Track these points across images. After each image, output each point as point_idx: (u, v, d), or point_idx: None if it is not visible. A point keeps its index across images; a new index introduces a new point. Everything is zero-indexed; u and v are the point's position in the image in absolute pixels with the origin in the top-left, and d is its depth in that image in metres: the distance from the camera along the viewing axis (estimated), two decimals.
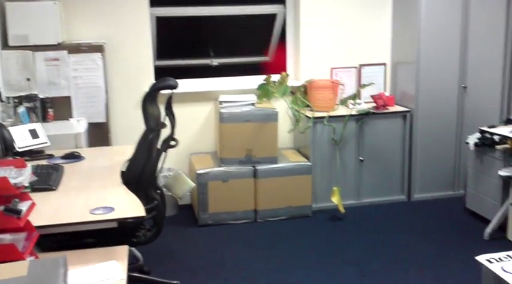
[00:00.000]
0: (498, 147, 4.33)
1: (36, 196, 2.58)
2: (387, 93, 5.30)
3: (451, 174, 5.19)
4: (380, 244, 4.29)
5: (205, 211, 4.65)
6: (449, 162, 5.17)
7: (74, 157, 3.55)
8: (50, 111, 4.34)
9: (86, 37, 4.64)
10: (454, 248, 4.18)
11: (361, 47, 5.29)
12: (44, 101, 4.33)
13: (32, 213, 2.38)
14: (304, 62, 5.20)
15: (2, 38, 4.26)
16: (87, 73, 4.42)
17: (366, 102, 5.13)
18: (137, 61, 4.87)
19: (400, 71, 5.26)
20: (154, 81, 3.34)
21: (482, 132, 4.51)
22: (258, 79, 5.02)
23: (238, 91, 5.01)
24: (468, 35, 4.98)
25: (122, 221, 2.57)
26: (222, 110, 4.68)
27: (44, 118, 4.31)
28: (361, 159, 5.00)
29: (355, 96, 5.16)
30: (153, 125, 3.15)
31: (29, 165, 2.54)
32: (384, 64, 5.36)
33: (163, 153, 3.34)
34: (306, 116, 4.91)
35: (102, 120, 4.49)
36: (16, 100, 4.24)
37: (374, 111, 4.97)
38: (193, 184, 4.54)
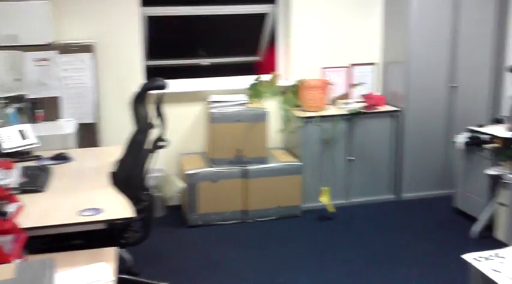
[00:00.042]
0: (486, 146, 4.35)
1: (24, 198, 2.57)
2: (377, 93, 5.31)
3: (439, 173, 5.21)
4: (369, 243, 4.30)
5: (194, 211, 4.65)
6: (438, 161, 5.20)
7: (62, 158, 3.54)
8: (39, 112, 4.33)
9: (75, 37, 4.62)
10: (443, 247, 4.20)
11: (351, 47, 5.31)
12: (33, 102, 4.31)
13: (20, 215, 2.38)
14: (295, 62, 5.21)
15: None
16: (76, 73, 4.41)
17: (356, 102, 5.14)
18: (127, 61, 4.86)
19: (391, 70, 5.28)
20: (144, 82, 3.32)
21: (471, 131, 4.53)
22: (249, 79, 5.02)
23: (228, 91, 5.01)
24: (458, 35, 5.00)
25: (110, 223, 2.56)
26: (212, 110, 4.68)
27: (33, 119, 4.29)
28: (351, 158, 5.01)
29: (346, 96, 5.18)
30: (142, 125, 3.14)
31: (18, 166, 2.53)
32: (375, 64, 5.37)
33: (153, 154, 3.33)
34: (296, 116, 4.91)
35: (91, 120, 4.48)
36: (5, 101, 4.21)
37: (364, 110, 4.99)
38: (182, 185, 4.56)
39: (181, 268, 3.94)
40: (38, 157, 3.56)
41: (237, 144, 4.69)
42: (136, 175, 3.25)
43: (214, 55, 5.51)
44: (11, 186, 2.85)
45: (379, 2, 5.28)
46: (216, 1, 5.22)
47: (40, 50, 4.30)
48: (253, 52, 5.58)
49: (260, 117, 4.72)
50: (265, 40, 5.49)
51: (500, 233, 4.15)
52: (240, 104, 4.80)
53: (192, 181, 4.60)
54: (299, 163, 4.82)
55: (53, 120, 4.33)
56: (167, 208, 4.94)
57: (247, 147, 4.71)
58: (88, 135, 4.44)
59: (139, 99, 3.14)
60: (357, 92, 5.23)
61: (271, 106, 5.04)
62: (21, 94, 4.27)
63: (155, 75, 3.30)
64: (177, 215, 4.90)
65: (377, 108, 5.06)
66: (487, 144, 4.35)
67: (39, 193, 2.85)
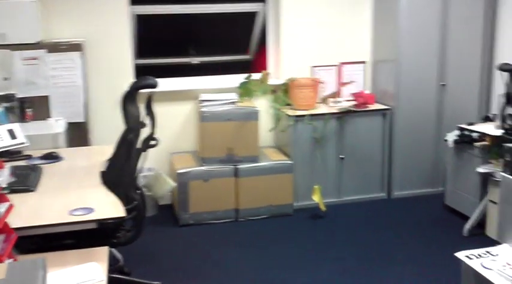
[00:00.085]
0: (477, 144, 4.37)
1: (14, 198, 2.55)
2: (367, 91, 5.32)
3: (430, 171, 5.23)
4: (361, 241, 4.31)
5: (186, 210, 4.63)
6: (428, 160, 5.21)
7: (52, 157, 3.51)
8: (28, 111, 4.29)
9: (65, 36, 4.59)
10: (434, 244, 4.21)
11: (341, 45, 5.31)
12: (22, 101, 4.27)
13: (10, 215, 2.36)
14: (285, 61, 5.21)
15: None
16: (66, 72, 4.38)
17: (346, 100, 5.15)
18: (117, 60, 4.83)
19: (380, 69, 5.29)
20: (134, 80, 3.31)
21: (461, 129, 4.55)
22: (239, 78, 5.01)
23: (219, 90, 5.00)
24: (447, 34, 5.02)
25: (101, 222, 2.55)
26: (203, 109, 4.66)
27: (22, 118, 4.25)
28: (342, 157, 5.02)
29: (336, 94, 5.18)
30: (132, 124, 3.12)
31: (7, 165, 2.51)
32: (364, 62, 5.38)
33: (144, 153, 3.32)
34: (287, 115, 4.91)
35: (81, 119, 4.45)
36: None
37: (354, 109, 4.99)
38: (173, 184, 4.55)
39: (172, 267, 3.92)
40: (28, 157, 3.53)
41: (228, 143, 4.68)
42: (127, 175, 3.24)
43: (205, 54, 5.49)
44: (1, 186, 2.83)
45: (369, 0, 5.28)
46: (206, 0, 5.20)
47: (29, 49, 4.26)
48: (243, 51, 5.57)
49: (251, 116, 4.71)
50: (256, 39, 5.48)
51: (491, 231, 4.17)
52: (231, 103, 4.79)
53: (183, 180, 4.58)
54: (290, 162, 4.82)
55: (42, 119, 4.30)
56: (158, 207, 4.93)
57: (238, 146, 4.70)
58: (78, 134, 4.41)
59: (130, 98, 3.12)
60: (347, 91, 5.23)
61: (262, 104, 5.04)
62: (10, 94, 4.22)
63: (145, 74, 3.28)
64: (169, 214, 4.88)
65: (367, 107, 5.07)
66: (477, 142, 4.37)
67: (29, 193, 2.83)
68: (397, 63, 4.98)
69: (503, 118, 4.15)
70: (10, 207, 2.40)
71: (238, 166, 4.69)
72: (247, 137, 4.72)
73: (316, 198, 4.75)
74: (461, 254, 2.98)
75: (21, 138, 3.67)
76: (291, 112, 4.89)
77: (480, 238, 4.22)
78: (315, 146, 4.92)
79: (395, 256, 4.04)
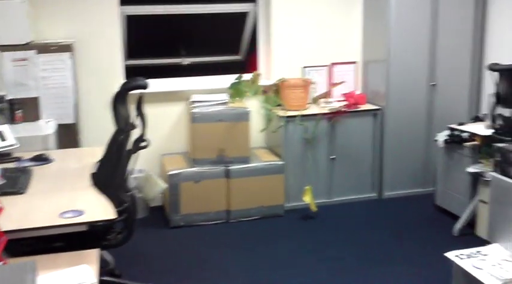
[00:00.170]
0: (467, 144, 4.38)
1: (4, 200, 2.54)
2: (358, 92, 5.33)
3: (420, 171, 5.25)
4: (352, 241, 4.32)
5: (177, 212, 4.62)
6: (419, 160, 5.23)
7: (42, 159, 3.49)
8: (18, 113, 4.27)
9: (54, 36, 4.57)
10: (425, 244, 4.22)
11: (332, 46, 5.32)
12: (11, 102, 4.25)
13: (0, 218, 2.34)
14: (276, 61, 5.21)
15: None
16: (56, 73, 4.36)
17: (337, 101, 5.15)
18: (107, 61, 4.82)
19: (371, 69, 5.30)
20: (124, 81, 3.30)
21: (451, 129, 4.57)
22: (230, 79, 5.00)
23: (210, 90, 4.99)
24: (437, 34, 5.03)
25: (92, 225, 2.54)
26: (194, 110, 4.65)
27: (12, 120, 4.23)
28: (333, 157, 5.03)
29: (327, 95, 5.19)
30: (123, 126, 3.11)
31: None
32: (355, 63, 5.39)
33: (134, 154, 3.31)
34: (278, 115, 4.91)
35: (71, 121, 4.44)
36: None
37: (345, 109, 5.00)
38: (164, 185, 4.54)
39: (164, 269, 3.91)
40: (17, 159, 3.51)
41: (219, 144, 4.68)
42: (118, 176, 3.23)
43: (195, 54, 5.48)
44: None
45: (359, 1, 5.29)
46: (197, 0, 5.19)
47: (18, 50, 4.24)
48: (234, 51, 5.57)
49: (242, 117, 4.71)
50: (246, 39, 5.48)
51: (481, 231, 4.18)
52: (222, 104, 4.79)
53: (174, 181, 4.57)
54: (281, 163, 4.82)
55: (32, 120, 4.27)
56: (149, 209, 4.92)
57: (229, 147, 4.69)
58: (68, 136, 4.39)
59: (120, 99, 3.11)
60: (338, 91, 5.24)
61: (253, 105, 5.03)
62: (0, 95, 4.21)
63: (135, 75, 3.27)
64: (160, 216, 4.87)
65: (358, 107, 5.08)
66: (467, 142, 4.39)
67: (19, 195, 2.80)
68: (388, 63, 5.00)
69: (493, 118, 4.17)
70: (0, 210, 2.38)
71: (229, 167, 4.68)
72: (238, 138, 4.72)
73: (307, 199, 4.76)
74: (451, 254, 3.00)
75: (10, 139, 3.64)
76: (282, 113, 4.89)
77: (470, 237, 4.24)
78: (306, 147, 4.92)
79: (386, 256, 4.05)
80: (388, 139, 5.11)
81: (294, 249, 4.20)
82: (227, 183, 4.69)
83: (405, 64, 5.03)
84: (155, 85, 4.92)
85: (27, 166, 3.31)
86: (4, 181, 2.94)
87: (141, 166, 4.64)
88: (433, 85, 5.10)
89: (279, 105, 5.08)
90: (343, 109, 4.98)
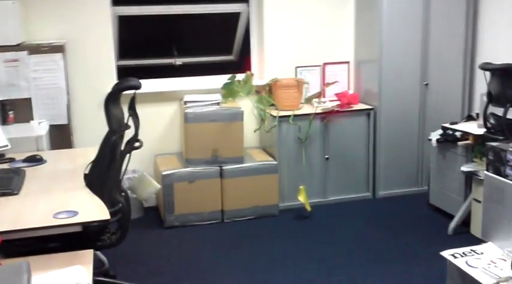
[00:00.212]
0: (460, 143, 4.39)
1: None
2: (351, 91, 5.34)
3: (414, 170, 5.26)
4: (346, 240, 4.32)
5: (171, 212, 4.61)
6: (412, 159, 5.24)
7: (35, 160, 3.47)
8: (10, 114, 4.25)
9: (46, 37, 4.55)
10: (419, 243, 4.23)
11: (324, 46, 5.32)
12: (3, 103, 4.24)
13: None
14: (269, 61, 5.21)
15: None
16: (47, 74, 4.34)
17: (330, 101, 5.16)
18: (99, 61, 4.80)
19: (363, 69, 5.30)
20: (116, 82, 3.29)
21: (444, 128, 4.58)
22: (223, 79, 5.00)
23: (203, 91, 4.98)
24: (429, 33, 5.04)
25: (86, 225, 2.52)
26: (187, 110, 4.65)
27: (4, 121, 4.22)
28: (327, 157, 5.03)
29: (320, 95, 5.19)
30: (116, 126, 3.09)
31: None
32: (348, 62, 5.39)
33: (128, 155, 3.29)
34: (272, 115, 4.91)
35: (63, 121, 4.42)
36: None
37: (338, 109, 5.00)
38: (158, 186, 4.51)
39: (158, 269, 3.90)
40: (10, 160, 3.49)
41: (213, 144, 4.67)
42: (112, 177, 3.21)
43: (188, 54, 5.47)
44: None
45: (351, 0, 5.30)
46: (189, 0, 5.18)
47: (9, 51, 4.22)
48: (227, 51, 5.56)
49: (235, 117, 4.71)
50: (239, 39, 5.47)
51: (476, 230, 4.19)
52: (215, 104, 4.78)
53: (168, 181, 4.56)
54: (275, 163, 4.81)
55: (24, 121, 4.25)
56: (144, 210, 4.91)
57: (223, 147, 4.69)
58: (61, 137, 4.38)
59: (113, 100, 3.09)
60: (331, 91, 5.24)
61: (246, 105, 5.02)
62: None
63: (128, 75, 3.26)
64: (154, 216, 4.86)
65: (351, 107, 5.08)
66: (460, 141, 4.40)
67: (12, 196, 2.79)
68: (380, 63, 5.00)
69: (486, 117, 4.18)
70: None
71: (223, 167, 4.68)
72: (231, 138, 4.71)
73: (301, 198, 4.76)
74: (446, 253, 3.00)
75: (3, 140, 3.63)
76: (275, 113, 4.89)
77: (465, 236, 4.24)
78: (300, 146, 4.93)
79: (381, 255, 4.05)
80: (382, 138, 5.12)
81: (289, 249, 4.20)
82: (221, 183, 4.69)
83: (398, 64, 5.03)
84: (148, 85, 4.92)
85: (20, 167, 3.29)
86: None
87: (134, 166, 4.65)
88: (426, 84, 5.11)
89: (272, 105, 5.08)
90: (336, 109, 4.98)
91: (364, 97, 5.24)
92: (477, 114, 4.63)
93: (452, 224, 4.36)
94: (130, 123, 3.16)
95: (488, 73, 4.06)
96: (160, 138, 5.06)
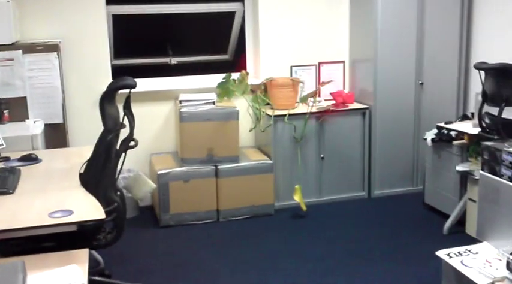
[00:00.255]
0: (455, 142, 4.41)
1: None
2: (346, 91, 5.34)
3: (409, 169, 5.26)
4: (342, 240, 4.32)
5: (166, 212, 4.60)
6: (407, 158, 5.24)
7: (30, 159, 3.46)
8: (5, 113, 4.24)
9: (41, 36, 4.54)
10: (414, 243, 4.23)
11: (320, 45, 5.32)
12: None
13: None
14: (264, 60, 5.20)
15: None
16: (42, 73, 4.33)
17: (325, 100, 5.16)
18: (94, 60, 4.79)
19: (358, 68, 5.31)
20: (112, 81, 3.28)
21: (439, 128, 4.58)
22: (218, 78, 4.99)
23: (198, 90, 4.98)
24: (424, 33, 5.05)
25: (81, 225, 2.52)
26: (182, 109, 4.64)
27: None
28: (322, 156, 5.03)
29: (315, 94, 5.20)
30: (111, 125, 3.09)
31: None
32: (343, 62, 5.40)
33: (123, 154, 3.29)
34: (267, 114, 4.91)
35: (59, 120, 4.41)
36: None
37: (333, 108, 5.00)
38: (153, 185, 4.51)
39: (154, 269, 3.90)
40: (5, 159, 3.48)
41: (208, 143, 4.66)
42: (107, 176, 3.20)
43: (183, 54, 5.47)
44: None
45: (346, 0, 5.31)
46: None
47: (4, 50, 4.21)
48: (222, 51, 5.56)
49: (231, 116, 4.70)
50: (234, 38, 5.47)
51: (471, 229, 4.19)
52: (210, 103, 4.77)
53: (163, 181, 4.56)
54: (270, 162, 4.81)
55: (19, 120, 4.24)
56: (139, 209, 4.90)
57: (218, 146, 4.68)
58: (56, 136, 4.37)
59: (108, 99, 3.08)
60: (327, 90, 5.24)
61: (241, 104, 5.02)
62: None
63: (123, 75, 3.25)
64: (149, 215, 4.85)
65: (346, 106, 5.09)
66: (455, 140, 4.41)
67: (7, 195, 2.78)
68: (375, 62, 5.01)
69: (481, 117, 4.18)
70: None
71: (218, 167, 4.67)
72: (227, 137, 4.71)
73: (297, 198, 4.76)
74: (441, 253, 3.00)
75: None
76: (270, 112, 4.89)
77: (460, 236, 4.25)
78: (295, 146, 4.93)
79: (377, 255, 4.05)
80: (377, 138, 5.13)
81: (284, 248, 4.20)
82: (216, 182, 4.68)
83: (392, 63, 5.04)
84: (143, 84, 4.91)
85: (15, 166, 3.28)
86: None
87: (130, 165, 4.63)
88: (421, 84, 5.12)
89: (267, 104, 5.08)
90: (331, 108, 4.99)
91: (359, 96, 5.24)
92: (472, 114, 4.64)
93: (448, 224, 4.37)
94: (126, 122, 3.16)
95: (483, 72, 4.06)
96: (155, 137, 5.05)
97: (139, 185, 4.52)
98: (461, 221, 4.35)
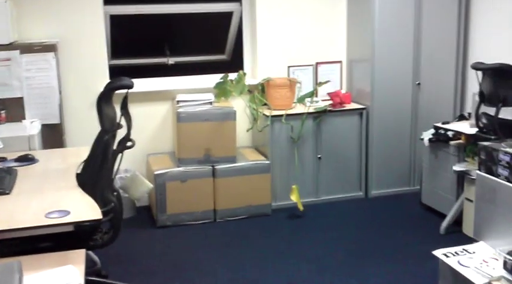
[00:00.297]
0: (452, 142, 4.41)
1: None
2: (343, 91, 5.35)
3: (406, 170, 5.27)
4: (339, 240, 4.32)
5: (163, 212, 4.60)
6: (405, 158, 5.25)
7: (27, 159, 3.46)
8: (2, 113, 4.23)
9: (38, 36, 4.54)
10: (411, 243, 4.24)
11: (317, 45, 5.33)
12: None
13: None
14: (261, 60, 5.20)
15: None
16: (40, 73, 4.33)
17: (322, 100, 5.16)
18: (91, 60, 4.79)
19: (356, 68, 5.31)
20: (109, 81, 3.28)
21: (436, 128, 4.59)
22: (216, 78, 4.99)
23: (195, 90, 4.98)
24: (421, 33, 5.06)
25: (78, 225, 2.51)
26: (179, 110, 4.64)
27: None
28: (319, 156, 5.03)
29: (312, 94, 5.20)
30: (108, 126, 3.09)
31: None
32: (340, 62, 5.40)
33: (120, 154, 3.28)
34: (264, 115, 4.91)
35: (56, 121, 4.41)
36: None
37: (331, 108, 5.01)
38: (150, 185, 4.50)
39: (150, 269, 3.90)
40: (2, 159, 3.48)
41: (205, 143, 4.66)
42: (104, 177, 3.20)
43: (180, 54, 5.46)
44: None
45: (343, 0, 5.31)
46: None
47: (1, 50, 4.21)
48: (219, 51, 5.55)
49: (228, 116, 4.70)
50: (232, 39, 5.47)
51: (468, 229, 4.20)
52: (208, 103, 4.77)
53: (160, 181, 4.56)
54: (267, 162, 4.81)
55: (16, 121, 4.24)
56: (136, 209, 4.90)
57: (215, 146, 4.68)
58: (52, 136, 4.36)
59: (105, 99, 3.08)
60: (324, 90, 5.25)
61: (238, 105, 5.02)
62: None
63: (120, 75, 3.25)
64: (146, 216, 4.85)
65: (344, 106, 5.09)
66: (452, 140, 4.41)
67: (4, 196, 2.77)
68: (372, 62, 5.01)
69: (478, 117, 4.19)
70: None
71: (215, 167, 4.67)
72: (224, 137, 4.71)
73: (294, 198, 4.76)
74: (438, 252, 3.01)
75: None
76: (267, 112, 4.89)
77: (457, 235, 4.25)
78: (292, 146, 4.93)
79: (373, 255, 4.06)
80: (374, 138, 5.13)
81: (281, 248, 4.20)
82: (213, 182, 4.68)
83: (390, 63, 5.04)
84: (140, 85, 4.90)
85: (12, 167, 3.28)
86: None
87: (127, 166, 4.64)
88: (418, 84, 5.12)
89: (264, 105, 5.08)
90: (328, 108, 4.99)
91: (357, 96, 5.25)
92: (469, 114, 4.64)
93: (445, 224, 4.38)
94: (123, 122, 3.15)
95: (480, 73, 4.07)
96: (152, 138, 5.05)
97: (136, 185, 4.52)
98: (458, 221, 4.36)
